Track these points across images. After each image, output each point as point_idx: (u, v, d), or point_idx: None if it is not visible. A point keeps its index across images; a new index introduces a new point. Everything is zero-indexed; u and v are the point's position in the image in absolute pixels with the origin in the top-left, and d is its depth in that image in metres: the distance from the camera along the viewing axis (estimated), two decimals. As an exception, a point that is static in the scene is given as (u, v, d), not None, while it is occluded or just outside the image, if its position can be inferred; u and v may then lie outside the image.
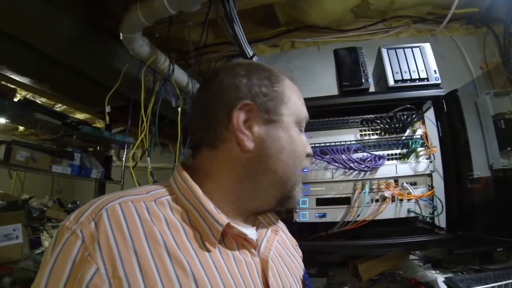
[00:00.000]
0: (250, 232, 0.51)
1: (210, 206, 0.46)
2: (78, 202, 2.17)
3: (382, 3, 1.84)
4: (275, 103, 0.52)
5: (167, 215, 0.44)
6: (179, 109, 1.88)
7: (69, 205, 2.07)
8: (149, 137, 1.76)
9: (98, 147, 2.70)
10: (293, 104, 0.54)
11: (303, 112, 0.56)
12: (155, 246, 0.39)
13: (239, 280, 0.44)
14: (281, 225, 0.65)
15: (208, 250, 0.44)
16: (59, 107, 2.62)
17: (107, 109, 1.66)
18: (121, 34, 1.51)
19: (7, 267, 1.45)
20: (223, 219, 0.46)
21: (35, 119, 1.81)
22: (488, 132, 1.35)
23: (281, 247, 0.58)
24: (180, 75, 1.97)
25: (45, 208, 1.83)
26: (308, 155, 0.56)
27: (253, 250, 0.49)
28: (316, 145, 1.37)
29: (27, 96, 2.31)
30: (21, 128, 2.84)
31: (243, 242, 0.48)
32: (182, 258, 0.40)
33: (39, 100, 2.43)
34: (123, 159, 2.73)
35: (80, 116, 2.92)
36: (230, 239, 0.47)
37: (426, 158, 1.26)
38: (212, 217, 0.45)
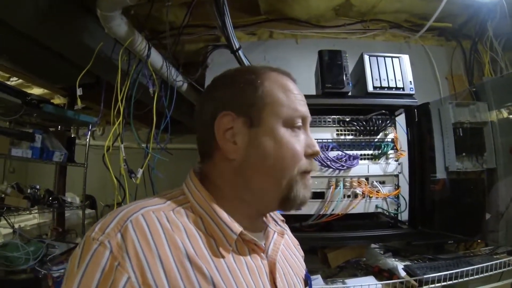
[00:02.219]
0: (259, 236, 0.54)
1: (224, 214, 0.49)
2: (38, 187, 2.02)
3: (364, 5, 1.91)
4: (257, 109, 0.51)
5: (185, 223, 0.46)
6: (153, 92, 1.81)
7: (29, 191, 1.92)
8: (122, 121, 1.69)
9: (59, 127, 2.50)
10: (279, 106, 0.52)
11: (295, 111, 0.53)
12: (177, 254, 0.42)
13: (251, 282, 0.47)
14: (285, 226, 0.68)
15: (223, 256, 0.46)
16: (14, 81, 2.36)
17: (79, 91, 1.55)
18: (98, 11, 1.39)
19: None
20: (237, 227, 0.48)
21: (-10, 96, 1.63)
22: (447, 138, 1.51)
23: (285, 249, 0.62)
24: (156, 57, 1.86)
25: (3, 196, 1.68)
26: (309, 155, 0.53)
27: (261, 254, 0.52)
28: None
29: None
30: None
31: (254, 247, 0.51)
32: (201, 264, 0.43)
33: (-8, 72, 2.17)
34: (87, 139, 2.58)
35: (37, 91, 2.66)
36: (242, 245, 0.50)
37: (395, 160, 1.39)
38: (226, 225, 0.48)
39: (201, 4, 1.54)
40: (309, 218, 1.37)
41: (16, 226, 1.82)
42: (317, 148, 0.55)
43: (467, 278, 1.10)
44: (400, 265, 1.30)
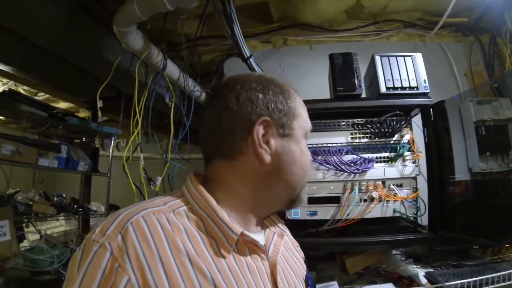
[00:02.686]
0: (259, 237, 0.54)
1: (225, 216, 0.49)
2: (64, 195, 2.13)
3: (375, 6, 1.88)
4: (288, 118, 0.55)
5: (186, 224, 0.47)
6: (170, 102, 1.86)
7: (55, 199, 2.03)
8: (141, 131, 1.75)
9: (84, 138, 2.63)
10: (302, 119, 0.58)
11: (309, 125, 0.60)
12: (178, 255, 0.42)
13: (252, 283, 0.47)
14: (284, 228, 0.69)
15: (224, 257, 0.47)
16: (42, 96, 2.52)
17: (99, 103, 1.63)
18: (114, 27, 1.46)
19: (-2, 266, 1.42)
20: (237, 228, 0.48)
21: (20, 110, 1.74)
22: (469, 138, 1.44)
23: (285, 250, 0.62)
24: (172, 69, 1.93)
25: (31, 203, 1.79)
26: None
27: (262, 254, 0.52)
28: (308, 146, 1.41)
29: (9, 84, 2.20)
30: (1, 117, 2.72)
31: (254, 248, 0.51)
32: (202, 264, 0.43)
33: (21, 88, 2.33)
34: (110, 150, 2.69)
35: (63, 105, 2.82)
36: (242, 246, 0.50)
37: (412, 162, 1.34)
38: (227, 226, 0.48)
39: (213, 15, 1.58)
40: (325, 223, 1.35)
41: (43, 232, 1.92)
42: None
43: (492, 286, 1.03)
44: (421, 272, 1.24)
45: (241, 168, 0.53)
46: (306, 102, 1.49)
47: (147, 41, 1.66)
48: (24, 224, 1.80)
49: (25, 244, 1.88)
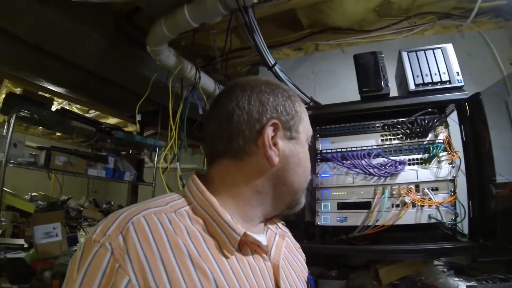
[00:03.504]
0: (262, 238, 0.54)
1: (227, 216, 0.49)
2: (112, 203, 2.34)
3: (404, 0, 1.79)
4: (295, 122, 0.57)
5: (187, 225, 0.47)
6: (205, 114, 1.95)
7: (104, 205, 2.24)
8: (178, 142, 1.85)
9: (130, 151, 2.87)
10: (306, 123, 0.60)
11: (311, 130, 0.62)
12: (179, 255, 0.42)
13: (254, 284, 0.47)
14: (286, 229, 0.69)
15: (226, 257, 0.46)
16: (92, 113, 2.81)
17: (138, 117, 1.78)
18: (147, 47, 1.59)
19: (48, 262, 1.60)
20: (240, 229, 0.48)
21: (71, 126, 1.97)
22: (519, 134, 1.28)
23: (287, 252, 0.62)
24: (207, 82, 2.03)
25: (81, 208, 2.00)
26: None
27: (264, 255, 0.52)
28: (338, 150, 1.38)
29: (62, 104, 2.50)
30: (57, 133, 3.08)
31: (256, 248, 0.52)
32: (204, 265, 0.43)
33: (74, 107, 2.63)
34: (155, 161, 2.88)
35: (112, 120, 3.11)
36: (245, 246, 0.50)
37: (449, 163, 1.23)
38: (230, 226, 0.48)
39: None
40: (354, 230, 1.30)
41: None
42: None
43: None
44: (462, 285, 1.13)
45: (249, 169, 0.53)
46: (332, 106, 1.47)
47: (180, 57, 1.77)
48: (77, 229, 2.02)
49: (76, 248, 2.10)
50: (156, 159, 2.91)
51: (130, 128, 3.43)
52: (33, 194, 2.29)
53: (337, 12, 1.92)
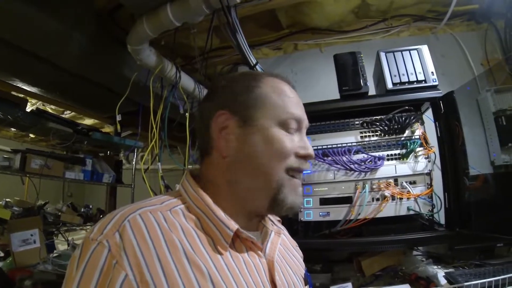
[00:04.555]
0: (256, 235, 0.55)
1: (220, 213, 0.50)
2: (90, 206, 2.26)
3: (382, 3, 1.86)
4: (251, 109, 0.53)
5: (182, 223, 0.47)
6: (187, 114, 1.93)
7: (82, 209, 2.16)
8: (159, 142, 1.82)
9: (108, 152, 2.78)
10: (274, 108, 0.54)
11: (289, 113, 0.54)
12: (174, 252, 0.43)
13: (249, 280, 0.47)
14: (282, 227, 0.70)
15: (221, 254, 0.47)
16: (68, 114, 2.71)
17: (118, 117, 1.73)
18: (128, 46, 1.56)
19: (27, 270, 1.52)
20: (233, 225, 0.49)
21: (47, 127, 1.89)
22: (489, 129, 1.37)
23: (283, 249, 0.63)
24: (187, 81, 2.00)
25: (59, 213, 1.92)
26: (301, 156, 0.54)
27: (259, 252, 0.53)
28: (319, 147, 1.41)
29: (37, 104, 2.39)
30: (31, 134, 2.95)
31: (251, 245, 0.52)
32: (199, 261, 0.44)
33: (49, 107, 2.52)
34: (133, 162, 2.81)
35: (89, 121, 3.00)
36: (239, 243, 0.51)
37: (425, 158, 1.29)
38: (223, 223, 0.49)
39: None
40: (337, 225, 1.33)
41: (71, 240, 2.04)
42: (310, 151, 0.55)
43: (516, 284, 0.96)
44: (441, 272, 1.19)
45: (214, 163, 0.55)
46: (313, 104, 1.50)
47: (160, 56, 1.74)
48: (54, 235, 1.94)
49: (57, 253, 2.02)
50: (134, 160, 2.84)
51: (107, 129, 3.33)
52: (7, 200, 2.17)
53: (317, 12, 1.96)
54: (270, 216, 0.64)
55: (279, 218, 0.71)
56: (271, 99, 0.55)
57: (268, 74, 0.59)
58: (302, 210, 1.39)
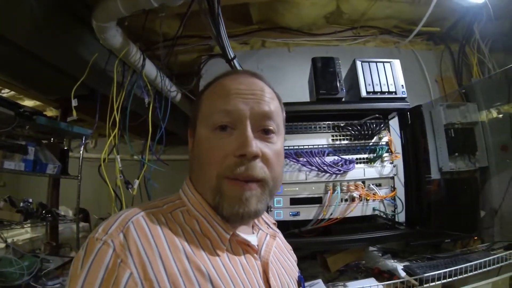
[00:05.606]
0: (252, 238, 0.57)
1: (218, 217, 0.52)
2: (30, 200, 1.98)
3: (355, 13, 1.96)
4: (195, 119, 0.58)
5: (182, 225, 0.50)
6: (150, 105, 1.82)
7: (21, 204, 1.88)
8: (118, 133, 1.68)
9: (52, 139, 2.47)
10: (207, 113, 0.54)
11: (218, 111, 0.52)
12: (176, 252, 0.45)
13: (246, 280, 0.50)
14: (277, 230, 0.71)
15: (218, 255, 0.49)
16: (6, 93, 2.34)
17: (74, 102, 1.55)
18: (93, 22, 1.39)
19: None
20: (230, 228, 0.52)
21: (-18, 109, 1.61)
22: (439, 139, 1.55)
23: (278, 252, 0.64)
24: (150, 68, 1.87)
25: (-5, 209, 1.65)
26: (238, 156, 0.49)
27: (255, 254, 0.55)
28: (290, 147, 1.44)
29: (-33, 80, 2.02)
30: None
31: (247, 248, 0.54)
32: (198, 262, 0.46)
33: (-18, 84, 2.14)
34: (81, 152, 2.56)
35: (29, 103, 2.63)
36: (236, 245, 0.54)
37: (390, 163, 1.41)
38: (220, 226, 0.52)
39: (194, 15, 1.55)
40: (308, 224, 1.38)
41: (9, 240, 1.77)
42: (247, 148, 0.49)
43: (466, 275, 1.11)
44: (399, 266, 1.32)
45: None
46: (288, 104, 1.52)
47: (126, 38, 1.60)
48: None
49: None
50: (81, 149, 2.59)
51: (50, 113, 2.97)
52: None
53: (292, 13, 1.99)
54: (265, 218, 0.66)
55: (274, 221, 0.72)
56: (206, 106, 0.56)
57: (223, 75, 0.58)
58: (272, 209, 1.41)
